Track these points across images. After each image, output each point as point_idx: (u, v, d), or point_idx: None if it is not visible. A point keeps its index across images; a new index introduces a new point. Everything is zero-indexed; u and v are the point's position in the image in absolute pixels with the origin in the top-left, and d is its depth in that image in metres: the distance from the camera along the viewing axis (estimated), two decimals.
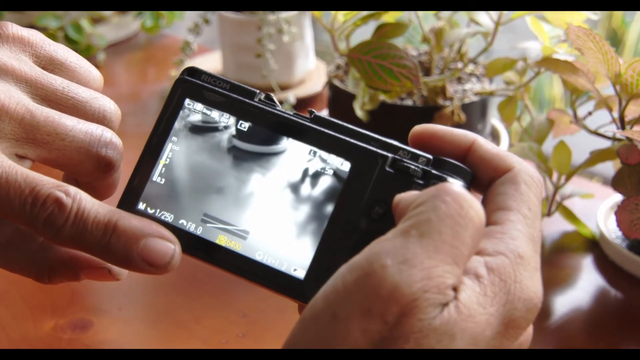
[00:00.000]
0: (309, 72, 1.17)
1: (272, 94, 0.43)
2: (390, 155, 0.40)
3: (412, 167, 0.39)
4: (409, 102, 0.85)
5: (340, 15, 0.81)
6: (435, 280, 0.32)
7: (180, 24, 1.42)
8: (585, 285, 0.78)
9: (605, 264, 0.80)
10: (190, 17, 1.29)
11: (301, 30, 1.11)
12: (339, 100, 0.88)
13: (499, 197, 0.38)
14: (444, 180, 0.39)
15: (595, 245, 0.82)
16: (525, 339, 0.37)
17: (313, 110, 0.42)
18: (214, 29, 1.18)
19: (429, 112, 0.83)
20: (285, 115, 0.42)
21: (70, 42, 1.27)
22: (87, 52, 1.29)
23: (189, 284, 0.77)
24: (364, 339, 0.32)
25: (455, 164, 0.39)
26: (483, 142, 0.40)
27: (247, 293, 0.75)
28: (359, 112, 0.83)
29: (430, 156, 0.40)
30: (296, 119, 0.42)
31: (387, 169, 0.40)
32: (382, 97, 0.83)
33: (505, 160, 0.39)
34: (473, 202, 0.34)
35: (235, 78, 1.11)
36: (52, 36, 1.26)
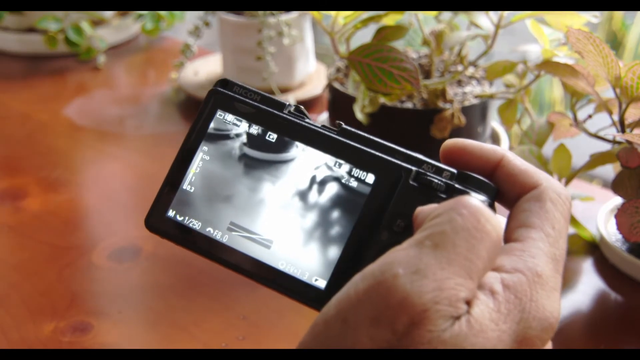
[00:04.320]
0: (309, 75, 1.17)
1: (301, 106, 0.44)
2: (414, 168, 0.40)
3: (436, 181, 0.39)
4: (409, 105, 0.85)
5: (341, 18, 0.81)
6: (446, 292, 0.32)
7: (181, 27, 1.42)
8: (586, 288, 0.78)
9: (606, 267, 0.80)
10: (190, 19, 1.29)
11: (301, 32, 1.11)
12: (339, 103, 0.88)
13: (522, 214, 0.38)
14: (466, 194, 0.38)
15: (595, 248, 0.82)
16: None
17: (341, 122, 0.43)
18: (214, 31, 1.18)
19: (429, 115, 0.83)
20: (313, 127, 0.43)
21: (70, 45, 1.27)
22: (87, 54, 1.29)
23: (188, 287, 0.77)
24: (372, 347, 0.32)
25: (480, 179, 0.39)
26: (512, 158, 0.40)
27: (247, 296, 0.75)
28: (359, 115, 0.83)
29: (454, 170, 0.40)
30: (323, 132, 0.42)
31: (411, 182, 0.40)
32: (382, 99, 0.83)
33: (533, 177, 0.39)
34: (490, 216, 0.34)
35: None
36: (53, 38, 1.26)
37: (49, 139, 1.08)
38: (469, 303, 0.33)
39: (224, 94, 0.44)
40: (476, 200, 0.35)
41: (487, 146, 0.40)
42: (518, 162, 0.40)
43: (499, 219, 0.35)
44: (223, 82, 0.45)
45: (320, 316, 0.34)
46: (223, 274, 0.80)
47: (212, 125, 0.44)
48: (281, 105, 0.43)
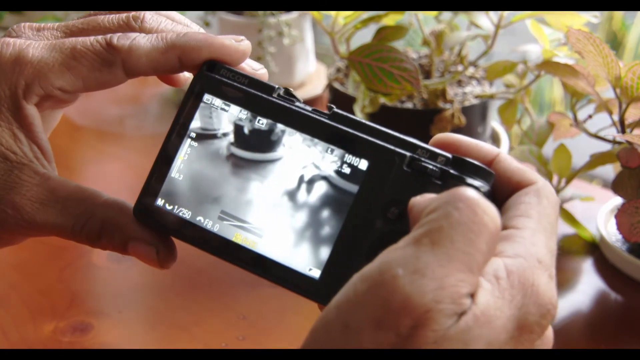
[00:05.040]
0: (309, 75, 1.17)
1: (291, 89, 0.42)
2: (408, 154, 0.39)
3: (430, 167, 0.38)
4: (409, 105, 0.85)
5: (341, 18, 0.81)
6: (448, 290, 0.32)
7: None
8: (586, 288, 0.78)
9: (606, 267, 0.79)
10: (190, 19, 1.29)
11: (302, 33, 1.11)
12: (339, 103, 0.88)
13: (522, 205, 0.38)
14: (462, 180, 0.37)
15: (595, 249, 0.82)
16: (543, 346, 0.36)
17: (332, 105, 0.41)
18: (214, 31, 1.18)
19: (429, 115, 0.83)
20: (303, 111, 0.41)
21: None
22: None
23: (188, 287, 0.77)
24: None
25: (475, 164, 0.38)
26: (507, 156, 0.40)
27: (247, 295, 0.75)
28: (359, 115, 0.83)
29: (449, 155, 0.38)
30: (314, 116, 0.41)
31: (405, 168, 0.39)
32: (383, 100, 0.83)
33: (529, 175, 0.39)
34: (487, 208, 0.33)
35: None
36: None
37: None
38: (472, 296, 0.33)
39: (211, 78, 0.43)
40: (472, 191, 0.34)
41: (482, 143, 0.40)
42: (513, 160, 0.40)
43: (495, 209, 0.34)
44: (210, 65, 0.43)
45: (320, 320, 0.33)
46: (223, 273, 0.80)
47: (199, 110, 0.42)
48: (270, 89, 0.42)
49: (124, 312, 0.74)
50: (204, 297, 0.75)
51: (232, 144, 0.42)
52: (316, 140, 0.41)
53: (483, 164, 0.39)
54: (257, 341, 0.70)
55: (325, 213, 0.40)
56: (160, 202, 0.42)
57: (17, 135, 0.43)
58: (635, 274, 0.77)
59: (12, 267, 0.80)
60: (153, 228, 0.42)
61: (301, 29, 1.11)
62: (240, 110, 0.42)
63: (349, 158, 0.40)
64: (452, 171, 0.38)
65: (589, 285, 0.78)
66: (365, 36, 0.85)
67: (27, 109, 0.42)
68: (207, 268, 0.78)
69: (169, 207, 0.42)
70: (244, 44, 0.44)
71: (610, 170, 0.82)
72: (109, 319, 0.73)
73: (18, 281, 0.78)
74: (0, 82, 0.42)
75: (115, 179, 0.99)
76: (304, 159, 0.41)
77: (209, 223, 0.42)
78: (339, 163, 0.40)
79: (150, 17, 0.45)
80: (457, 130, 0.82)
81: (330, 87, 0.90)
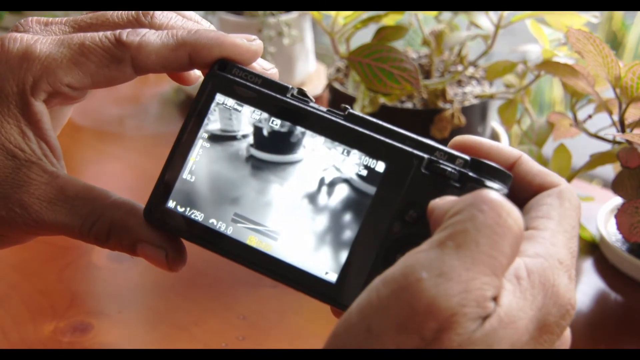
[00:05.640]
0: (309, 75, 1.17)
1: (305, 89, 0.41)
2: (426, 156, 0.38)
3: (449, 169, 0.38)
4: (409, 105, 0.85)
5: (341, 18, 0.81)
6: (473, 293, 0.31)
7: None
8: (585, 288, 0.78)
9: (605, 267, 0.80)
10: None
11: (301, 33, 1.11)
12: (339, 102, 0.88)
13: (543, 207, 0.37)
14: (481, 183, 0.37)
15: (595, 248, 0.82)
16: (561, 347, 0.36)
17: (347, 106, 0.41)
18: None
19: (429, 115, 0.83)
20: (318, 112, 0.40)
21: None
22: None
23: (188, 287, 0.77)
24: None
25: (494, 167, 0.38)
26: (529, 158, 0.40)
27: (247, 295, 0.75)
28: None
29: (467, 157, 0.38)
30: (329, 117, 0.40)
31: (423, 170, 0.38)
32: (382, 100, 0.83)
33: (552, 177, 0.39)
34: (511, 210, 0.33)
35: None
36: None
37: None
38: (495, 299, 0.32)
39: (223, 77, 0.42)
40: (496, 193, 0.33)
41: (504, 146, 0.40)
42: (535, 163, 0.39)
43: (518, 212, 0.34)
44: (222, 64, 0.42)
45: (341, 324, 0.33)
46: (223, 273, 0.80)
47: (211, 109, 0.42)
48: (284, 89, 0.41)
49: (124, 312, 0.74)
50: (204, 297, 0.75)
51: (250, 145, 0.41)
52: (332, 142, 0.40)
53: (503, 166, 0.39)
54: (257, 341, 0.70)
55: (343, 216, 0.39)
56: (171, 203, 0.42)
57: (25, 133, 0.42)
58: (635, 274, 0.77)
59: (12, 267, 0.80)
60: (163, 230, 0.42)
61: (301, 29, 1.11)
62: (254, 111, 0.41)
63: (365, 160, 0.39)
64: (470, 174, 0.38)
65: (589, 285, 0.78)
66: (365, 36, 0.85)
67: (35, 106, 0.42)
68: (208, 268, 0.78)
69: (180, 209, 0.42)
70: (256, 43, 0.43)
71: (610, 170, 0.82)
72: (109, 319, 0.73)
73: (18, 281, 0.78)
74: (7, 79, 0.41)
75: (115, 179, 0.99)
76: (324, 161, 0.40)
77: (222, 225, 0.41)
78: (355, 165, 0.40)
79: (160, 13, 0.44)
80: (457, 130, 0.82)
81: (330, 87, 0.90)
